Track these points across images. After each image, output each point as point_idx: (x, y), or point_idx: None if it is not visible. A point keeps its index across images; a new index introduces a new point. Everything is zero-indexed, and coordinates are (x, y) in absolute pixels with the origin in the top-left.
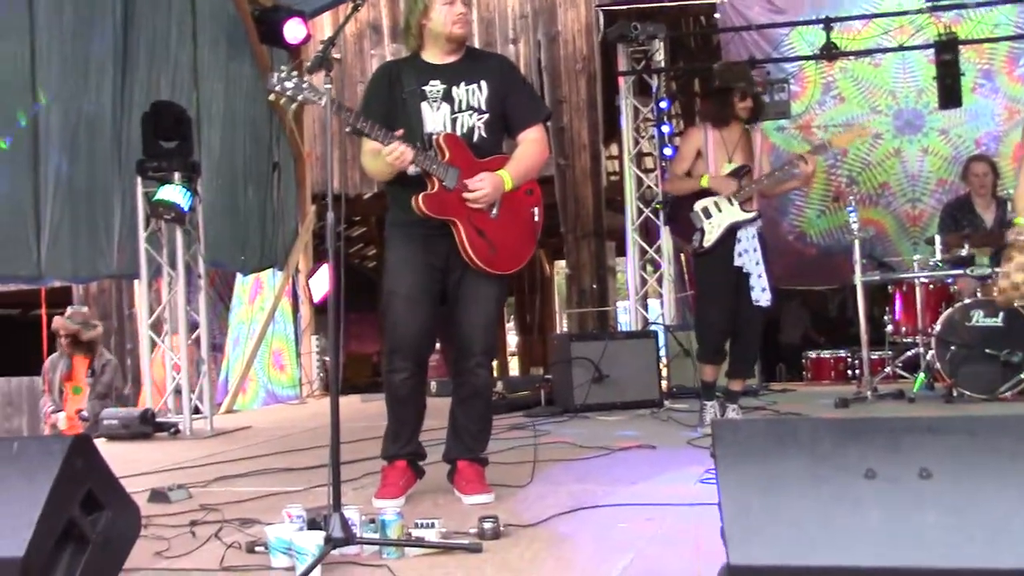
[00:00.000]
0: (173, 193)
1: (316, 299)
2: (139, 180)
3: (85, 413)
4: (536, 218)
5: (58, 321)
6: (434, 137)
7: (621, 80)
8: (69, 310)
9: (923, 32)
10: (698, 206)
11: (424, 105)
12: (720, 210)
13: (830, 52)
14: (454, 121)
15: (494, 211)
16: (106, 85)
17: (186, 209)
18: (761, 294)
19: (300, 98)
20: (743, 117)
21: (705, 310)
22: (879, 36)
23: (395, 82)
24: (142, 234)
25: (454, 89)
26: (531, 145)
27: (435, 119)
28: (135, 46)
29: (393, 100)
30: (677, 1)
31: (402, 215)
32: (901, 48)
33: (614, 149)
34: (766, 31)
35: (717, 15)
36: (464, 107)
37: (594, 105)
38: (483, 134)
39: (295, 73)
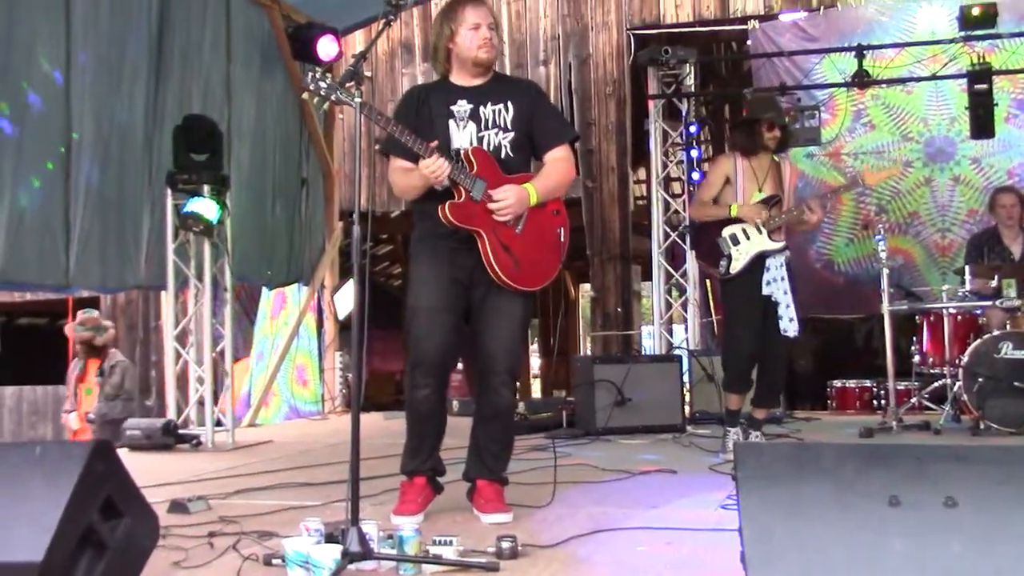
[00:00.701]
0: (202, 206)
1: (340, 315)
2: (169, 192)
3: (92, 415)
4: (562, 238)
5: (69, 329)
6: (462, 151)
7: (651, 104)
8: (80, 315)
9: (956, 61)
10: (726, 232)
11: (451, 123)
12: (748, 238)
13: (862, 80)
14: (480, 139)
15: (519, 227)
16: (139, 93)
17: (215, 222)
18: (789, 324)
19: (333, 97)
20: (770, 147)
21: (732, 338)
22: (912, 64)
23: (423, 104)
24: (171, 246)
25: (481, 109)
26: (558, 163)
27: (462, 137)
28: (169, 55)
29: (420, 120)
30: (708, 27)
31: (428, 228)
32: (934, 77)
33: (642, 173)
34: (797, 58)
35: (748, 41)
36: (490, 126)
37: (623, 128)
38: (510, 152)
39: (329, 75)
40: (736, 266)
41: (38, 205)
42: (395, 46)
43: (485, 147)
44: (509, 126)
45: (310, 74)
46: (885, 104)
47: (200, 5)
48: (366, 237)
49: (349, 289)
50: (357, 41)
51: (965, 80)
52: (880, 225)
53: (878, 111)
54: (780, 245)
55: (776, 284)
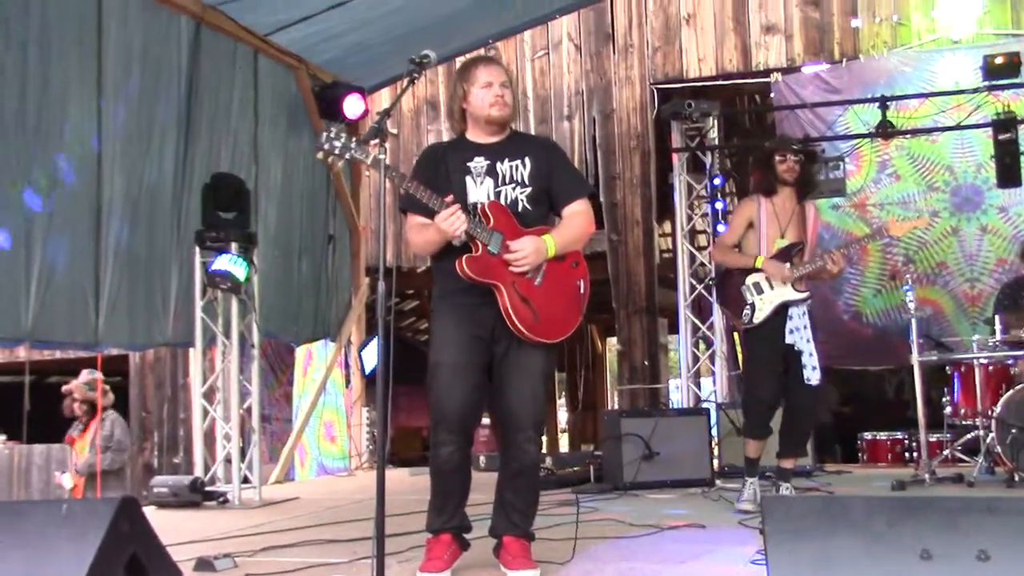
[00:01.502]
0: (230, 263)
1: (367, 371)
2: (197, 250)
3: (79, 467)
4: (582, 290)
5: (76, 385)
6: (479, 205)
7: (675, 157)
8: (86, 375)
9: (981, 110)
10: (750, 280)
11: (468, 179)
12: (772, 287)
13: (886, 130)
14: (498, 194)
15: (538, 279)
16: (168, 154)
17: (242, 279)
18: (812, 373)
19: (348, 156)
20: (788, 179)
21: (753, 385)
22: (936, 114)
23: (440, 161)
24: (199, 303)
25: (498, 165)
26: (576, 217)
27: (479, 192)
28: (198, 117)
29: (438, 177)
30: (731, 80)
31: (448, 285)
32: (959, 127)
33: (667, 227)
34: (820, 110)
35: (771, 94)
36: (508, 181)
37: (647, 182)
38: (527, 206)
39: (344, 133)
40: (760, 315)
41: (68, 264)
42: (420, 103)
43: (502, 201)
44: (527, 181)
45: (324, 134)
46: (910, 154)
47: (228, 67)
48: (391, 293)
49: (375, 344)
50: (383, 98)
51: (990, 129)
52: (908, 275)
53: (903, 161)
54: (804, 295)
55: (799, 333)
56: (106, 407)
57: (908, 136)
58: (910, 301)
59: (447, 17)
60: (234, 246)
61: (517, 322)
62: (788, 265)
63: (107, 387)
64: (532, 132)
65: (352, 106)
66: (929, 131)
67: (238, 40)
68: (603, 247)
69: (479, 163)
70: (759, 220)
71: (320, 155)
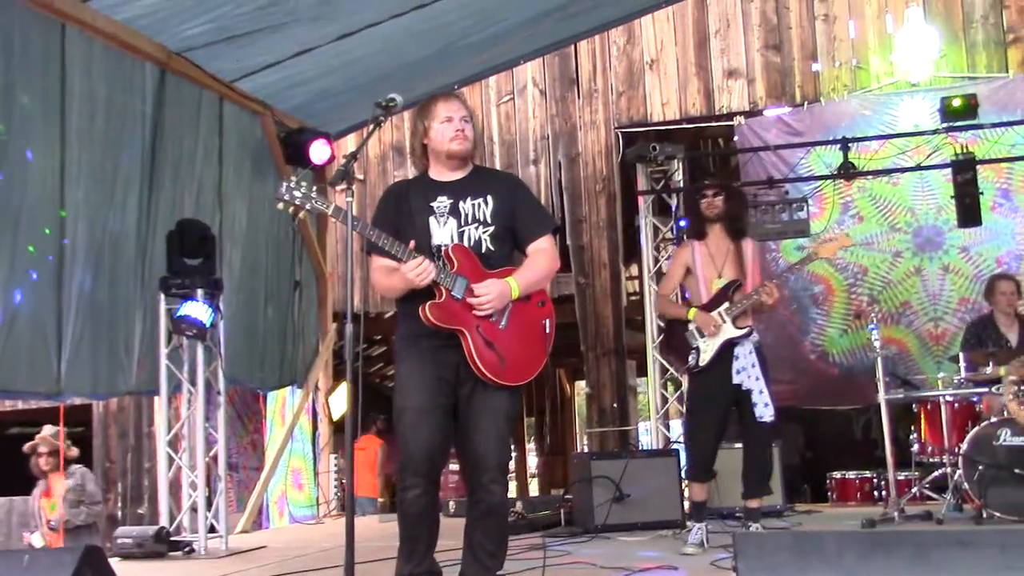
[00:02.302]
0: (196, 309)
1: (335, 416)
2: (162, 296)
3: (53, 523)
4: (548, 330)
5: (44, 435)
6: (443, 248)
7: (640, 199)
8: (46, 429)
9: (940, 152)
10: (692, 325)
11: (431, 220)
12: (719, 324)
13: (848, 171)
14: (461, 234)
15: (503, 322)
16: (132, 201)
17: (208, 325)
18: (764, 410)
19: (308, 207)
20: (711, 215)
21: (695, 428)
22: (896, 156)
23: (403, 200)
24: (163, 350)
25: (460, 204)
26: (540, 255)
27: (442, 233)
28: (162, 164)
29: (400, 217)
30: (695, 123)
31: (413, 328)
32: (919, 168)
33: (634, 270)
34: (784, 153)
35: (735, 137)
36: (470, 220)
37: (614, 224)
38: (490, 247)
39: (304, 183)
40: (705, 358)
41: (30, 313)
42: (386, 149)
43: (465, 242)
44: (489, 220)
45: (284, 184)
46: (872, 196)
47: (193, 113)
48: (359, 338)
49: (344, 391)
50: (349, 144)
51: (950, 170)
52: (872, 315)
53: (865, 203)
54: (745, 331)
55: (746, 372)
56: (72, 460)
57: (870, 178)
58: (875, 340)
59: (412, 64)
60: (199, 292)
61: (483, 367)
62: (717, 312)
63: (69, 442)
64: None
65: (318, 152)
66: (890, 172)
67: (203, 86)
68: (571, 290)
69: (442, 203)
70: (695, 264)
71: (280, 205)
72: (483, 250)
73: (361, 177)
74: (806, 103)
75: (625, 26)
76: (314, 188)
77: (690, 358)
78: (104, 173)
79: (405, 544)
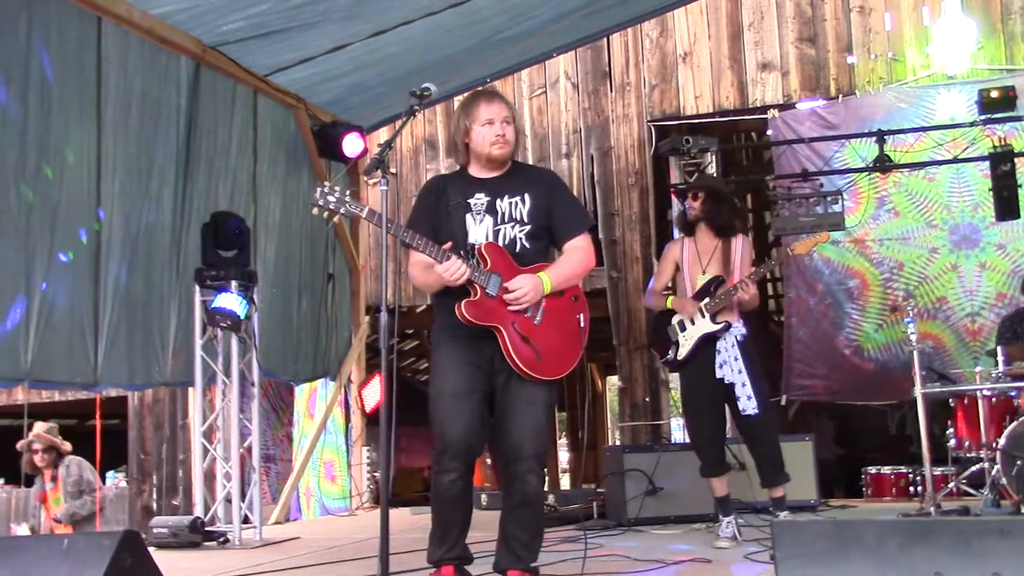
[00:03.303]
0: (230, 301)
1: (368, 409)
2: (197, 288)
3: (59, 516)
4: (582, 324)
5: (38, 432)
6: (476, 247)
7: (674, 192)
8: (39, 426)
9: (977, 145)
10: (675, 320)
11: (468, 217)
12: (693, 323)
13: (883, 164)
14: (496, 233)
15: (538, 317)
16: (167, 194)
17: (242, 317)
18: (748, 403)
19: (342, 211)
20: (690, 216)
21: (692, 424)
22: (932, 150)
23: (441, 195)
24: (198, 341)
25: (498, 202)
26: (575, 252)
27: (478, 231)
28: (196, 157)
29: (439, 212)
30: (728, 117)
31: (448, 321)
32: (956, 160)
33: None
34: (818, 146)
35: (769, 131)
36: (507, 219)
37: (646, 218)
38: (525, 245)
39: (337, 188)
40: (683, 351)
41: (67, 304)
42: (419, 142)
43: (500, 240)
44: (526, 219)
45: (319, 190)
46: (908, 191)
47: (227, 107)
48: (393, 332)
49: (376, 384)
50: (382, 137)
51: (986, 165)
52: (909, 309)
53: (901, 198)
54: (721, 326)
55: (728, 365)
56: (66, 452)
57: (906, 173)
58: (912, 334)
59: (445, 58)
60: (234, 284)
61: (519, 362)
62: (698, 300)
63: (60, 437)
64: None
65: (351, 145)
66: (926, 165)
67: (237, 80)
68: (603, 284)
69: (479, 200)
70: (683, 261)
71: (315, 211)
72: (517, 248)
73: (393, 171)
74: (841, 96)
75: (658, 19)
76: (347, 192)
77: (669, 352)
78: (139, 166)
79: (438, 528)
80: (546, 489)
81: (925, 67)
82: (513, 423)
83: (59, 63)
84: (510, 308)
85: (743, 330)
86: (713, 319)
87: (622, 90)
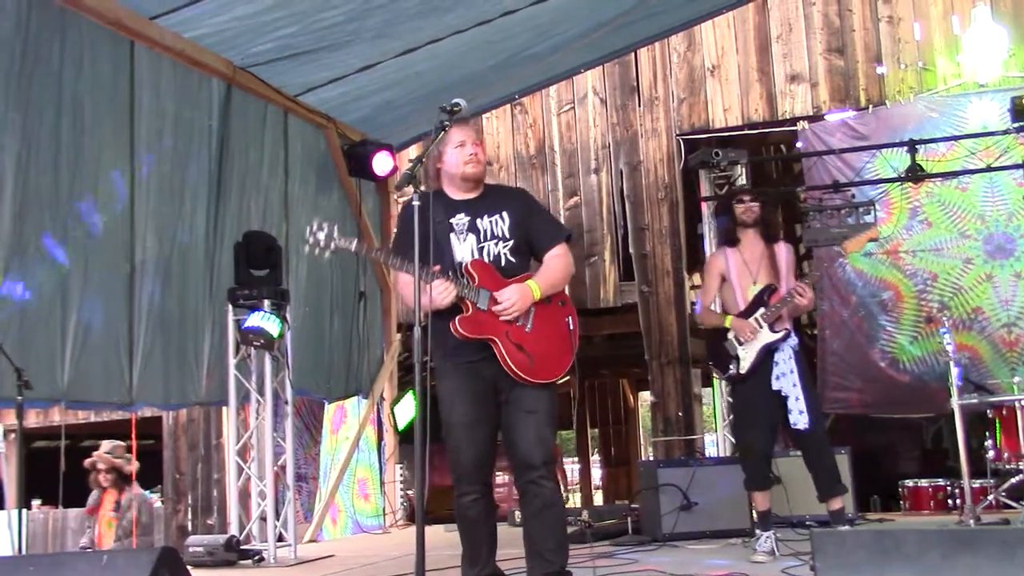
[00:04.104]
0: (263, 320)
1: (401, 426)
2: (230, 307)
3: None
4: (571, 327)
5: (101, 453)
6: (463, 265)
7: (704, 205)
8: (107, 444)
9: (1009, 154)
10: (731, 333)
11: (452, 237)
12: (756, 330)
13: (915, 174)
14: (481, 250)
15: (528, 325)
16: (200, 214)
17: (275, 336)
18: (799, 417)
19: (332, 246)
20: (747, 220)
21: (744, 437)
22: (964, 159)
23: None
24: (232, 360)
25: (478, 221)
26: (556, 260)
27: (463, 249)
28: (228, 177)
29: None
30: (757, 130)
31: (448, 341)
32: (989, 169)
33: (697, 278)
34: (849, 157)
35: (799, 143)
36: (489, 236)
37: (676, 232)
38: (511, 259)
39: (326, 224)
40: (744, 365)
41: (102, 324)
42: None
43: (485, 257)
44: (507, 234)
45: (308, 229)
46: (941, 201)
47: (258, 127)
48: (426, 350)
49: (409, 401)
50: (411, 154)
51: (1020, 174)
52: (944, 319)
53: (934, 208)
54: (781, 335)
55: (785, 378)
56: (131, 476)
57: (939, 183)
58: (947, 345)
59: (473, 76)
60: (267, 303)
61: (515, 368)
62: (753, 318)
63: (130, 456)
64: (560, 186)
65: (381, 163)
66: (959, 174)
67: (268, 101)
68: (634, 299)
69: (461, 220)
70: (729, 272)
71: (306, 248)
72: (503, 263)
73: (424, 188)
74: (871, 106)
75: (685, 32)
76: (335, 227)
77: (731, 366)
78: (172, 187)
79: (468, 550)
80: (580, 505)
81: (956, 76)
82: (519, 436)
83: (92, 88)
84: (501, 319)
85: (796, 340)
86: (771, 328)
87: (650, 104)
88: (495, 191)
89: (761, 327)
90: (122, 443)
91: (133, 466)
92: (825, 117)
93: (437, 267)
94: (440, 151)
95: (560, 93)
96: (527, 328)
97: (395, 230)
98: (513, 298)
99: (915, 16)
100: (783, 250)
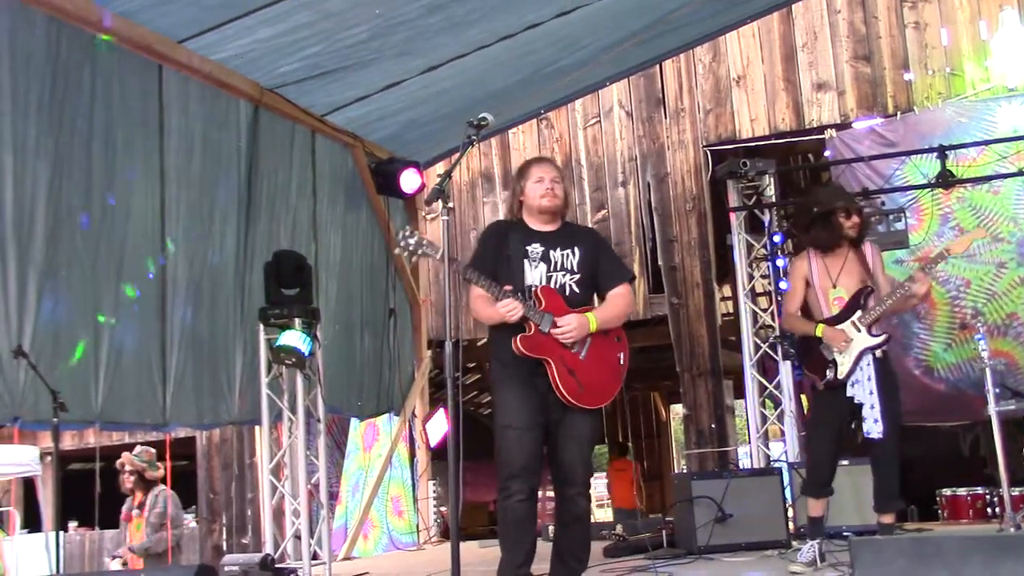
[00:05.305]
0: (294, 339)
1: (433, 443)
2: (261, 327)
3: (134, 546)
4: (622, 362)
5: (126, 456)
6: (533, 288)
7: (732, 216)
8: (137, 448)
9: None
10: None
11: (526, 262)
12: (850, 338)
13: (946, 180)
14: (550, 279)
15: (583, 353)
16: (229, 236)
17: (307, 354)
18: (873, 426)
19: (420, 252)
20: (851, 235)
21: (815, 442)
22: (995, 163)
23: (503, 240)
24: (264, 379)
25: (551, 252)
26: (617, 298)
27: (534, 275)
28: (258, 198)
29: (499, 255)
30: (784, 139)
31: (507, 353)
32: (1021, 172)
33: (727, 290)
34: (878, 164)
35: (827, 152)
36: (559, 267)
37: (705, 244)
38: (575, 290)
39: (415, 232)
40: (843, 370)
41: (135, 346)
42: (475, 176)
43: (553, 285)
44: (575, 268)
45: (400, 234)
46: (972, 206)
47: (286, 148)
48: (458, 365)
49: (440, 417)
50: (438, 171)
51: None
52: (979, 325)
53: (965, 213)
54: (882, 338)
55: (861, 385)
56: (155, 480)
57: (969, 188)
58: (983, 350)
59: (499, 91)
60: (297, 322)
61: (565, 392)
62: (850, 322)
63: (158, 463)
64: (587, 199)
65: (408, 181)
66: (990, 179)
67: (296, 121)
68: (664, 311)
69: (535, 249)
70: (812, 276)
71: (397, 250)
72: (567, 293)
73: (451, 205)
74: (899, 113)
75: (710, 43)
76: (425, 239)
77: (827, 372)
78: (202, 208)
79: (507, 553)
80: (612, 519)
81: (985, 80)
82: (565, 456)
83: (122, 111)
84: (559, 343)
85: (884, 345)
86: (870, 331)
87: (676, 116)
88: (571, 228)
89: (859, 331)
90: (152, 449)
91: (157, 473)
92: (853, 125)
93: (509, 286)
94: (522, 185)
95: (586, 107)
96: (581, 356)
97: (475, 247)
98: (572, 325)
99: (942, 21)
100: (869, 250)
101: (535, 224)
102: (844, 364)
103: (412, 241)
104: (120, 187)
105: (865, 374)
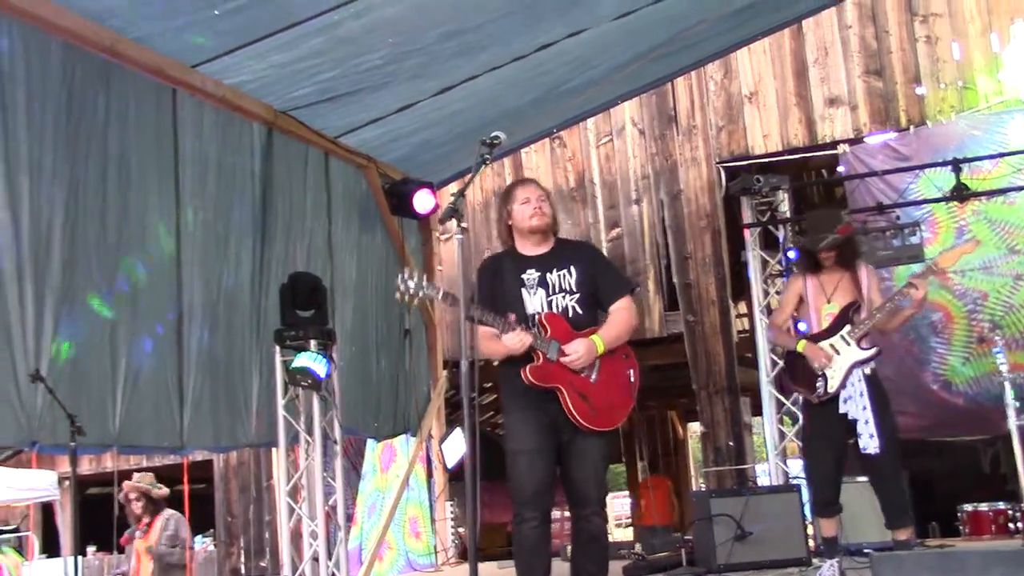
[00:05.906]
0: (310, 360)
1: (450, 465)
2: (277, 348)
3: (151, 549)
4: (632, 379)
5: (127, 484)
6: (537, 317)
7: (747, 232)
8: (136, 476)
9: None
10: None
11: (523, 291)
12: (839, 352)
13: (961, 193)
14: (550, 303)
15: (593, 376)
16: (245, 258)
17: (323, 376)
18: (869, 441)
19: (421, 294)
20: (827, 266)
21: (813, 461)
22: (1010, 175)
23: (497, 275)
24: (280, 401)
25: (548, 275)
26: (620, 313)
27: (534, 302)
28: (273, 221)
29: (495, 289)
30: (797, 155)
31: (515, 385)
32: None
33: (742, 307)
34: (892, 179)
35: (840, 168)
36: (558, 290)
37: (720, 261)
38: (578, 311)
39: (415, 273)
40: (833, 384)
41: (152, 369)
42: (488, 196)
43: (555, 309)
44: (574, 288)
45: (400, 276)
46: (988, 218)
47: (300, 170)
48: (474, 385)
49: (457, 438)
50: (452, 190)
51: None
52: (997, 338)
53: (981, 226)
54: (872, 352)
55: (854, 401)
56: (162, 500)
57: (985, 200)
58: (1002, 364)
59: (511, 111)
60: (313, 343)
61: (579, 417)
62: (839, 336)
63: (160, 484)
64: (601, 218)
65: (422, 201)
66: (1005, 191)
67: (309, 143)
68: (679, 328)
69: (531, 275)
70: (807, 293)
71: (397, 295)
72: (571, 315)
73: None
74: (912, 127)
75: (722, 60)
76: (424, 277)
77: (818, 385)
78: (217, 231)
79: None
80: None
81: (997, 93)
82: (579, 476)
83: (137, 136)
84: (568, 369)
85: (874, 363)
86: (859, 345)
87: (689, 133)
88: (563, 245)
89: (848, 344)
90: (150, 474)
91: (163, 491)
92: (866, 139)
93: (513, 316)
94: (509, 209)
95: (598, 125)
96: (592, 379)
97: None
98: (580, 351)
99: (953, 35)
100: (864, 272)
101: (527, 248)
102: (834, 378)
103: (411, 284)
104: (135, 214)
105: (857, 390)
